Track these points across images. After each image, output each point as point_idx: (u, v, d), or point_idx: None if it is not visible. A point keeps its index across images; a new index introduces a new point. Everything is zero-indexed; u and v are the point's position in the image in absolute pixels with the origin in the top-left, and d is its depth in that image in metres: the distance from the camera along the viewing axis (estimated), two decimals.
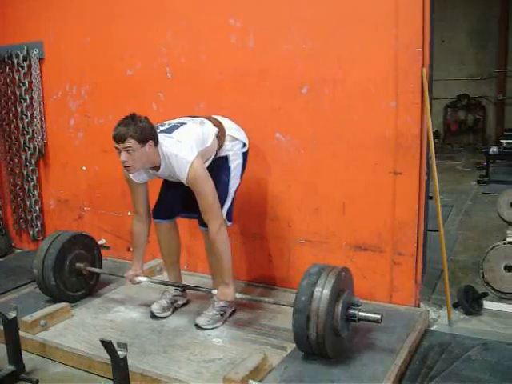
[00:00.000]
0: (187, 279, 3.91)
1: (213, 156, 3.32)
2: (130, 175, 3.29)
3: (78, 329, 3.40)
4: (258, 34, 3.79)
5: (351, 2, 3.49)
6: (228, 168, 3.37)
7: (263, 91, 3.82)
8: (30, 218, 5.11)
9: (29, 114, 4.86)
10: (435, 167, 3.47)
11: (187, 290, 3.71)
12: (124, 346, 2.44)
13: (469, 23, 12.74)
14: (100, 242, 4.20)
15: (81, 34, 4.52)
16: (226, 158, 3.37)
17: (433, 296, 3.93)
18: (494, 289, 3.85)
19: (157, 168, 3.18)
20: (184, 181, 3.10)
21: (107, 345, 2.39)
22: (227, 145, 3.37)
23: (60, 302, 3.61)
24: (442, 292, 3.65)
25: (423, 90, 3.34)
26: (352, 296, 3.01)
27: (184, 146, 3.12)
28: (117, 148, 3.01)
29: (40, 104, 4.83)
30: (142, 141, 2.99)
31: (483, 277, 3.90)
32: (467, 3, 12.60)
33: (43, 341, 3.18)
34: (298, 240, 3.86)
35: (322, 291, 2.78)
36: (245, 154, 3.47)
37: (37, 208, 5.07)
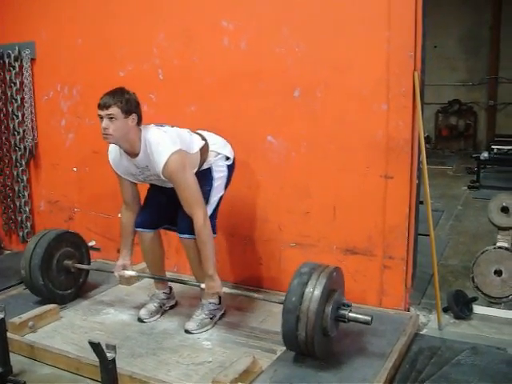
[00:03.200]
0: None
1: (195, 170, 3.28)
2: (113, 166, 3.31)
3: (66, 331, 3.37)
4: (251, 37, 3.79)
5: (344, 6, 3.50)
6: (211, 178, 3.35)
7: (255, 94, 3.82)
8: (19, 219, 5.08)
9: (20, 115, 4.84)
10: (426, 172, 3.47)
11: (175, 292, 3.70)
12: (113, 348, 2.42)
13: (461, 29, 12.79)
14: (90, 244, 4.17)
15: (73, 35, 4.51)
16: (209, 170, 3.36)
17: (423, 300, 3.93)
18: (483, 293, 3.85)
19: (134, 154, 3.14)
20: (160, 171, 3.06)
21: (96, 346, 2.37)
22: (210, 160, 3.37)
23: (49, 301, 3.58)
24: (432, 296, 3.65)
25: (415, 94, 3.35)
26: (343, 296, 3.00)
27: (168, 137, 3.12)
28: (100, 116, 3.04)
29: (31, 104, 4.81)
30: (126, 112, 3.02)
31: (473, 281, 3.90)
32: (459, 10, 12.65)
33: (31, 342, 3.15)
34: (289, 243, 3.86)
35: (313, 292, 2.77)
36: (230, 167, 3.46)
37: (27, 209, 5.04)
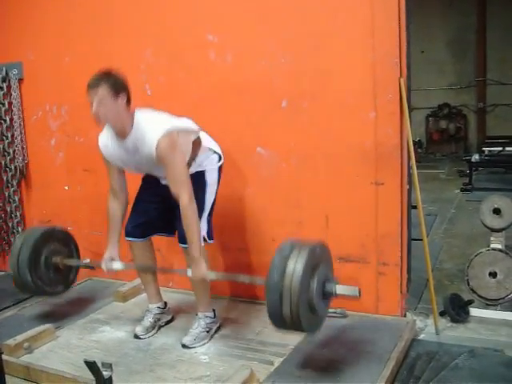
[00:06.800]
0: (172, 296, 3.91)
1: (186, 160, 3.23)
2: (103, 152, 3.27)
3: (62, 350, 3.35)
4: (237, 50, 3.81)
5: (327, 16, 3.52)
6: (204, 183, 3.32)
7: (243, 106, 3.83)
8: (12, 239, 5.05)
9: (9, 135, 4.85)
10: (416, 176, 3.49)
11: (171, 307, 3.70)
12: (109, 366, 2.41)
13: (447, 33, 12.89)
14: (84, 262, 4.15)
15: (59, 54, 4.52)
16: (202, 173, 3.33)
17: (419, 305, 3.93)
18: (479, 296, 3.85)
19: (124, 135, 3.09)
20: (152, 150, 3.01)
21: (91, 365, 2.35)
22: (202, 157, 3.32)
23: (39, 296, 3.59)
24: (429, 301, 3.65)
25: (402, 100, 3.37)
26: (330, 270, 2.86)
27: (162, 118, 3.11)
28: (89, 99, 2.98)
29: (20, 125, 4.82)
30: (115, 91, 2.97)
31: (468, 284, 3.91)
32: (444, 14, 12.76)
33: (27, 364, 3.12)
34: None
35: (295, 267, 2.61)
36: (220, 169, 3.43)
37: (19, 229, 5.03)
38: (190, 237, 3.12)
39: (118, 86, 3.00)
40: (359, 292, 2.77)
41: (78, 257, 3.97)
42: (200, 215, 3.23)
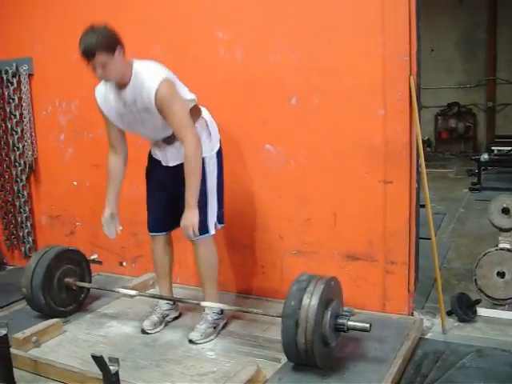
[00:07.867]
0: (179, 292, 3.90)
1: (186, 107, 3.21)
2: (100, 105, 3.27)
3: (70, 345, 3.37)
4: (246, 47, 3.80)
5: (337, 13, 3.51)
6: (204, 174, 3.23)
7: (252, 103, 3.83)
8: (21, 234, 5.08)
9: (19, 130, 4.86)
10: (425, 175, 3.47)
11: (178, 303, 3.69)
12: (116, 360, 2.42)
13: (457, 32, 12.82)
14: (92, 257, 4.17)
15: (68, 50, 4.48)
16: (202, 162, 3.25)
17: (426, 304, 3.92)
18: (487, 295, 3.84)
19: (124, 84, 3.08)
20: (152, 97, 3.01)
21: (98, 360, 2.37)
22: (199, 129, 3.26)
23: (52, 318, 3.57)
24: (436, 300, 3.64)
25: (411, 98, 3.36)
26: (341, 305, 3.00)
27: (159, 66, 3.12)
28: (90, 66, 2.97)
29: (30, 120, 4.83)
30: (111, 50, 2.93)
31: (476, 283, 3.89)
32: (454, 13, 12.69)
33: (35, 357, 3.14)
34: (290, 251, 3.85)
35: (312, 298, 2.77)
36: (219, 154, 3.39)
37: (28, 224, 5.05)
38: (190, 183, 3.11)
39: (111, 44, 2.95)
40: (370, 327, 2.86)
41: (90, 275, 4.01)
42: (205, 208, 3.26)
